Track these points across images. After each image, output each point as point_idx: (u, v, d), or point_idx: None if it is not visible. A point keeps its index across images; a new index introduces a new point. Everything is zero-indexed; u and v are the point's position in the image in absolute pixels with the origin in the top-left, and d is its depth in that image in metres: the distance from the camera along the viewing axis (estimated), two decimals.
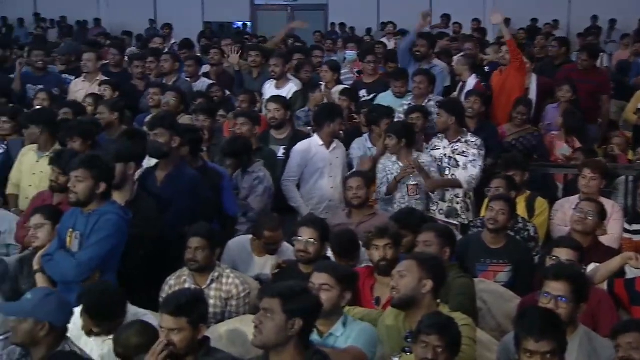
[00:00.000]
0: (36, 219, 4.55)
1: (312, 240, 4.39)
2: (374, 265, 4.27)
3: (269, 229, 4.92)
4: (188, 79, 8.31)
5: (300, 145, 6.07)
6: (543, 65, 8.81)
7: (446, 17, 15.41)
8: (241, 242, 5.08)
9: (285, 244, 5.03)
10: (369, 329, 3.59)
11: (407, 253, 4.24)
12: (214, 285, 4.35)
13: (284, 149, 6.23)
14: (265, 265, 4.95)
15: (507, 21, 8.29)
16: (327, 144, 6.06)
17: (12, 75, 8.41)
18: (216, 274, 4.39)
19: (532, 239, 5.22)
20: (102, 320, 3.68)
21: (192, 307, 3.31)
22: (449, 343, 3.14)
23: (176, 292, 3.83)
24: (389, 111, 6.43)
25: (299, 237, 4.43)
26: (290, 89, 7.48)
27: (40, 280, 4.24)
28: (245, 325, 3.83)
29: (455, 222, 5.91)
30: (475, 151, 6.08)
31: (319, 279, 3.57)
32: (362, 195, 5.28)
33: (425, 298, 3.56)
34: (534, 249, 5.15)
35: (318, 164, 6.02)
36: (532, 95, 7.47)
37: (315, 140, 6.08)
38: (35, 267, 4.36)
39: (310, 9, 19.90)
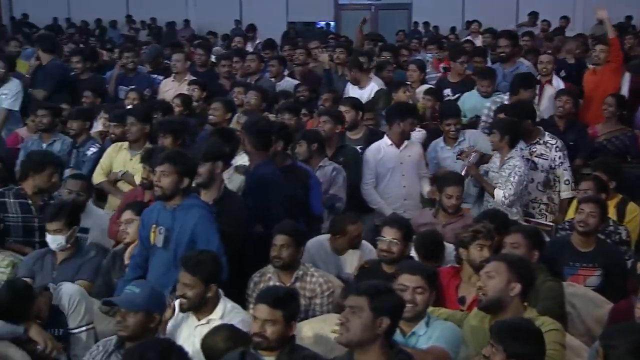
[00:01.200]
0: (127, 215, 4.70)
1: (395, 240, 4.37)
2: (473, 266, 4.18)
3: (352, 223, 4.96)
4: (272, 79, 8.41)
5: (371, 148, 6.07)
6: (635, 64, 8.50)
7: (533, 15, 15.07)
8: (319, 241, 5.10)
9: (365, 242, 5.05)
10: (452, 329, 3.55)
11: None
12: (298, 284, 4.37)
13: (360, 148, 6.24)
14: (345, 263, 4.98)
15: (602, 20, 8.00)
16: (398, 143, 6.00)
17: (104, 76, 8.69)
18: (300, 272, 4.43)
19: (624, 243, 5.05)
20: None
21: (288, 302, 3.37)
22: (517, 354, 3.02)
23: (274, 285, 3.87)
24: (453, 110, 6.33)
25: (383, 237, 4.42)
26: (372, 88, 7.48)
27: None
28: (329, 324, 3.84)
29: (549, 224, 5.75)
30: (559, 154, 5.96)
31: (412, 281, 3.54)
32: (459, 204, 5.26)
33: (513, 301, 3.50)
34: (626, 252, 4.98)
35: (387, 163, 5.98)
36: (625, 94, 7.23)
37: (385, 140, 6.05)
38: (126, 261, 4.50)
39: (394, 8, 19.82)
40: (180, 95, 7.37)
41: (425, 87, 7.66)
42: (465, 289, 4.15)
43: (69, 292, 4.05)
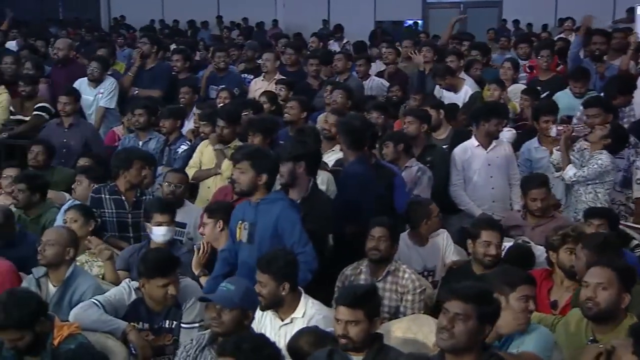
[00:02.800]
0: (204, 216, 4.82)
1: (496, 243, 4.33)
2: (564, 270, 4.10)
3: (429, 204, 5.01)
4: (360, 78, 8.44)
5: (457, 149, 5.99)
6: None
7: (631, 11, 14.51)
8: (400, 237, 5.07)
9: (441, 230, 5.08)
10: (545, 333, 3.47)
11: None
12: (389, 278, 4.37)
13: (445, 149, 6.17)
14: (428, 254, 4.99)
15: None
16: (485, 144, 5.91)
17: (197, 75, 8.89)
18: (392, 267, 4.43)
19: None
20: None
21: (367, 299, 3.36)
22: None
23: (351, 285, 3.88)
24: (551, 106, 6.18)
25: (481, 240, 4.35)
26: (466, 92, 7.37)
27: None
28: (417, 324, 3.83)
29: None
30: (631, 151, 5.84)
31: (525, 290, 3.44)
32: (544, 206, 5.15)
33: (622, 312, 3.42)
34: None
35: (475, 165, 5.90)
36: None
37: (472, 141, 5.97)
38: (195, 271, 4.58)
39: (483, 5, 19.49)
40: (266, 93, 7.48)
41: (517, 86, 7.52)
42: (558, 293, 4.06)
43: (191, 288, 4.15)
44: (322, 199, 4.73)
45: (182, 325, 4.03)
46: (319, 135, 5.96)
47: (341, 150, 5.36)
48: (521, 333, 3.39)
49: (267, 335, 3.72)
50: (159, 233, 4.71)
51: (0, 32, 12.63)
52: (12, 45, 11.53)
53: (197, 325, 4.02)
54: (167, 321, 4.04)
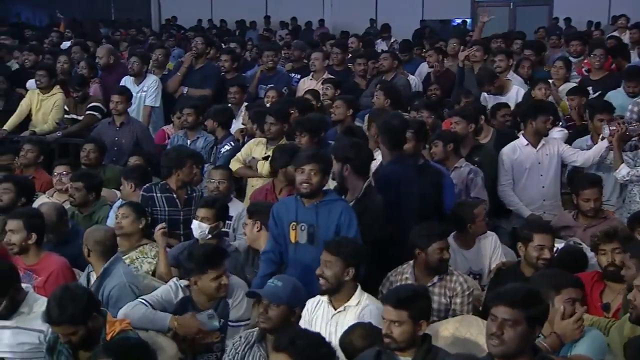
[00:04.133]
0: (245, 218, 4.84)
1: (547, 246, 4.27)
2: (602, 271, 4.07)
3: (475, 206, 4.95)
4: (403, 76, 8.42)
5: (506, 149, 5.93)
6: None
7: None
8: None
9: (490, 232, 5.03)
10: (598, 337, 3.42)
11: None
12: (439, 283, 4.33)
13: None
14: (474, 257, 4.94)
15: None
16: (534, 143, 5.83)
17: (245, 74, 8.95)
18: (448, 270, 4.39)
19: None
20: None
21: (413, 301, 3.34)
22: None
23: (400, 285, 3.87)
24: (606, 105, 6.07)
25: (535, 244, 4.29)
26: (517, 92, 7.26)
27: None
28: (465, 325, 3.81)
29: None
30: None
31: (570, 293, 3.43)
32: (597, 207, 5.08)
33: None
34: None
35: (524, 164, 5.82)
36: None
37: (521, 140, 5.90)
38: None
39: (533, 4, 19.22)
40: (310, 91, 7.50)
41: (569, 85, 7.40)
42: (610, 295, 4.00)
43: (237, 285, 4.18)
44: (374, 202, 4.66)
45: (230, 323, 4.05)
46: (364, 135, 5.94)
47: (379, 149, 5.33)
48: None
49: (319, 324, 3.76)
50: (194, 227, 4.77)
51: (57, 32, 12.95)
52: (66, 45, 11.80)
53: (243, 323, 4.05)
54: (217, 319, 4.03)
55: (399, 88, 7.55)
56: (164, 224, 4.94)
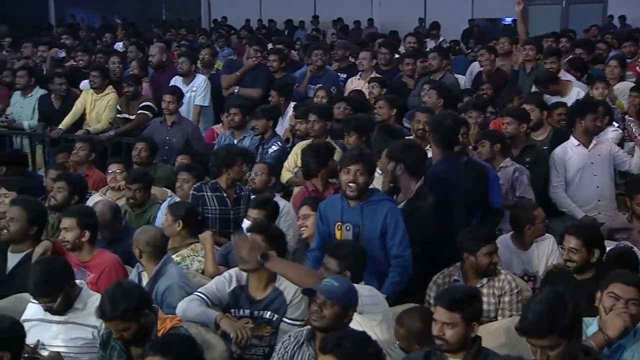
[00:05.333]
0: (303, 210, 4.84)
1: (574, 248, 4.20)
2: None
3: (534, 208, 4.90)
4: (454, 76, 8.36)
5: (557, 150, 5.86)
6: None
7: None
8: (503, 240, 4.99)
9: (548, 235, 4.97)
10: None
11: None
12: (487, 283, 4.29)
13: (545, 149, 6.00)
14: (531, 258, 4.89)
15: None
16: (585, 143, 5.72)
17: (293, 74, 8.97)
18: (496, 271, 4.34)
19: None
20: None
21: (466, 303, 3.31)
22: None
23: (452, 286, 3.83)
24: None
25: (562, 246, 4.28)
26: (577, 93, 7.10)
27: None
28: None
29: None
30: None
31: (627, 292, 3.39)
32: None
33: None
34: None
35: (577, 164, 5.74)
36: None
37: (572, 140, 5.80)
38: None
39: (587, 1, 18.84)
40: (354, 92, 7.50)
41: (624, 84, 7.25)
42: None
43: (296, 287, 4.13)
44: (426, 203, 4.63)
45: (285, 320, 4.02)
46: (401, 132, 5.90)
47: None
48: (635, 340, 3.28)
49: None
50: (245, 227, 4.77)
51: (110, 33, 13.21)
52: (118, 46, 12.01)
53: (299, 323, 4.01)
54: (269, 312, 4.02)
55: (450, 87, 7.50)
56: (209, 232, 4.97)
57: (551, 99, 7.06)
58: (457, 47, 12.81)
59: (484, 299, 4.16)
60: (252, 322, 4.01)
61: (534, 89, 7.35)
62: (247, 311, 4.03)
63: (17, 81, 8.40)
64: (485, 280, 4.28)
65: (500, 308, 4.25)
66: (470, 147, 5.76)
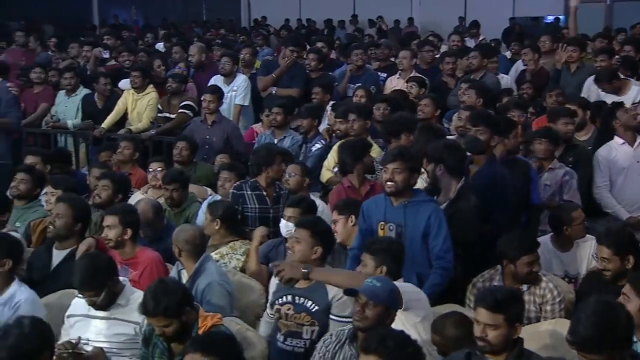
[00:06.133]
0: (333, 215, 4.84)
1: (606, 258, 4.13)
2: None
3: (573, 210, 4.85)
4: (493, 75, 8.28)
5: (601, 149, 5.79)
6: None
7: None
8: (542, 241, 4.90)
9: (589, 236, 4.91)
10: None
11: None
12: (527, 290, 4.23)
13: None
14: (571, 260, 4.84)
15: None
16: (630, 141, 5.62)
17: (333, 73, 8.98)
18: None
19: None
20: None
21: (509, 304, 3.28)
22: None
23: (495, 287, 3.78)
24: None
25: (595, 255, 4.25)
26: (637, 92, 6.97)
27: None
28: (560, 327, 3.71)
29: None
30: None
31: None
32: None
33: None
34: None
35: (621, 163, 5.67)
36: None
37: (616, 139, 5.72)
38: None
39: None
40: (396, 92, 7.47)
41: None
42: None
43: None
44: (468, 203, 4.60)
45: (332, 316, 4.02)
46: (444, 134, 5.86)
47: None
48: None
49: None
50: (281, 225, 4.82)
51: (152, 34, 13.36)
52: (159, 46, 12.14)
53: (344, 320, 3.97)
54: (310, 302, 4.01)
55: (489, 87, 7.44)
56: (265, 229, 5.00)
57: (609, 98, 6.97)
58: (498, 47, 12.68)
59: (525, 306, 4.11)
60: (292, 308, 4.03)
61: (585, 88, 7.24)
62: (289, 297, 4.05)
63: (63, 82, 8.55)
64: (525, 287, 4.22)
65: (542, 317, 4.18)
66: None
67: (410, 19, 19.39)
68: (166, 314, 3.49)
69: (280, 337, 4.06)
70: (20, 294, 4.11)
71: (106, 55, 9.99)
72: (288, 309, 4.03)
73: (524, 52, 8.58)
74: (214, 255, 4.82)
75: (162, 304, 3.47)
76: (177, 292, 3.56)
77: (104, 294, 3.87)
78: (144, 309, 3.53)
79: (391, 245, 4.00)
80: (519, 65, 8.86)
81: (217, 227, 4.94)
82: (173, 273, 4.47)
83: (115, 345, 3.89)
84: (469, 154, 4.94)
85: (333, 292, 3.98)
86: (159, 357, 3.66)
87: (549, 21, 19.12)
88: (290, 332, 4.04)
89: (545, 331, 3.86)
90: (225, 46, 10.96)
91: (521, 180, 5.07)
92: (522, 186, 5.07)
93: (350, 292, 3.56)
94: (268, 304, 4.27)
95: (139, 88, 8.10)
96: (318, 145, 6.63)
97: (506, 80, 8.40)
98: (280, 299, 4.07)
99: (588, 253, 4.83)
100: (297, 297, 4.03)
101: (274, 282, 4.19)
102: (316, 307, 4.00)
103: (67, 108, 8.47)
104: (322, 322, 3.98)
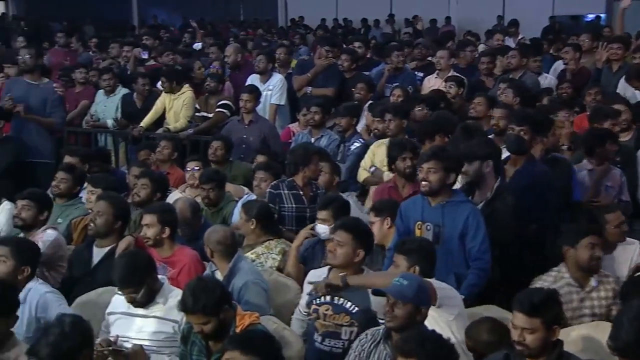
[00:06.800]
0: (370, 217, 4.82)
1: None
2: None
3: (609, 212, 4.74)
4: (534, 74, 8.18)
5: None
6: None
7: None
8: None
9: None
10: None
11: None
12: (597, 287, 4.19)
13: None
14: (614, 262, 4.72)
15: None
16: None
17: (367, 72, 8.95)
18: (603, 274, 4.26)
19: None
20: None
21: (546, 307, 3.24)
22: None
23: (530, 290, 3.74)
24: None
25: None
26: None
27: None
28: (600, 332, 3.66)
29: None
30: None
31: None
32: None
33: None
34: None
35: None
36: None
37: None
38: None
39: None
40: (435, 91, 7.43)
41: None
42: None
43: None
44: (506, 203, 4.56)
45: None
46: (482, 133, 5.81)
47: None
48: None
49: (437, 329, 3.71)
50: (319, 229, 4.83)
51: (190, 34, 13.48)
52: (198, 46, 12.25)
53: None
54: (349, 303, 4.01)
55: (528, 86, 7.35)
56: (310, 231, 5.00)
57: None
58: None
59: (595, 302, 4.08)
60: (331, 308, 4.02)
61: (620, 88, 7.13)
62: (328, 297, 4.03)
63: (102, 83, 8.66)
64: (594, 282, 4.15)
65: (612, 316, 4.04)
66: (564, 147, 5.65)
67: (448, 18, 19.26)
68: (205, 312, 3.52)
69: (317, 337, 4.06)
70: (33, 290, 4.15)
71: (145, 55, 10.11)
72: (326, 310, 4.02)
73: (565, 51, 8.47)
74: (250, 255, 4.85)
75: (200, 302, 3.50)
76: (216, 290, 3.58)
77: (143, 291, 3.91)
78: (183, 306, 3.56)
79: (422, 244, 4.00)
80: (558, 65, 8.75)
81: (252, 227, 4.96)
82: (207, 273, 4.51)
83: (154, 344, 3.92)
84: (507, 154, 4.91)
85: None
86: (197, 355, 3.69)
87: (589, 19, 18.84)
88: (329, 333, 4.03)
89: (585, 333, 3.81)
90: (259, 46, 11.01)
91: (563, 179, 5.01)
92: (565, 185, 5.01)
93: (377, 292, 3.56)
94: (301, 302, 4.28)
95: (170, 91, 8.15)
96: (357, 144, 6.62)
97: (550, 80, 8.28)
98: (318, 299, 4.06)
99: (631, 257, 4.72)
100: (336, 298, 4.01)
101: (312, 277, 4.20)
102: (356, 308, 3.99)
103: (107, 108, 8.59)
104: (362, 323, 3.96)
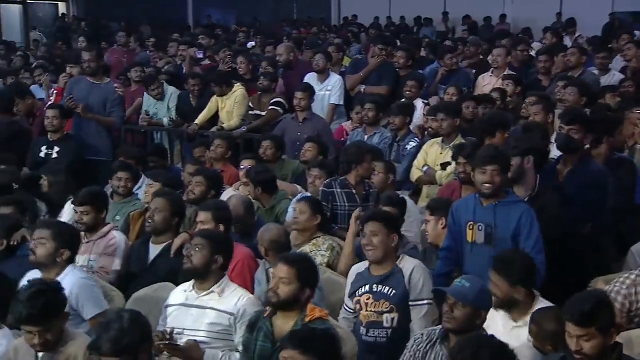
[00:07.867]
0: (425, 215, 4.81)
1: None
2: None
3: None
4: (595, 72, 8.01)
5: None
6: None
7: None
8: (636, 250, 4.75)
9: None
10: None
11: None
12: None
13: None
14: None
15: None
16: None
17: (422, 71, 8.91)
18: None
19: None
20: None
21: (598, 313, 3.16)
22: None
23: (579, 297, 3.63)
24: None
25: None
26: None
27: None
28: None
29: None
30: None
31: None
32: None
33: None
34: None
35: None
36: None
37: None
38: None
39: None
40: (496, 90, 7.36)
41: None
42: None
43: (414, 265, 4.19)
44: (552, 200, 4.51)
45: (410, 303, 4.10)
46: (547, 132, 5.72)
47: None
48: None
49: (499, 334, 3.67)
50: None
51: (244, 33, 13.60)
52: (252, 45, 12.36)
53: (425, 302, 4.08)
54: (387, 287, 4.12)
55: (592, 85, 7.21)
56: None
57: None
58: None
59: None
60: (372, 297, 4.12)
61: None
62: (367, 287, 4.16)
63: (151, 93, 8.73)
64: None
65: None
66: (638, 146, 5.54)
67: (503, 16, 18.99)
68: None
69: (362, 330, 4.15)
70: (68, 278, 4.18)
71: (200, 55, 10.23)
72: (368, 299, 4.14)
73: (627, 48, 8.27)
74: None
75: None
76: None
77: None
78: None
79: (523, 260, 3.90)
80: (617, 62, 8.56)
81: (316, 223, 5.01)
82: (260, 272, 4.54)
83: (209, 335, 3.92)
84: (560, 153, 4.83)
85: (407, 274, 4.11)
86: (263, 340, 3.69)
87: None
88: (372, 323, 4.13)
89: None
90: (314, 44, 11.04)
91: (628, 180, 4.89)
92: (629, 186, 4.89)
93: (438, 292, 3.53)
94: (346, 299, 4.32)
95: (221, 94, 8.20)
96: (413, 144, 6.59)
97: (618, 77, 8.09)
98: (359, 290, 4.18)
99: None
100: (374, 286, 4.14)
101: (352, 272, 4.29)
102: (394, 292, 4.10)
103: (158, 110, 8.74)
104: (402, 308, 4.09)
